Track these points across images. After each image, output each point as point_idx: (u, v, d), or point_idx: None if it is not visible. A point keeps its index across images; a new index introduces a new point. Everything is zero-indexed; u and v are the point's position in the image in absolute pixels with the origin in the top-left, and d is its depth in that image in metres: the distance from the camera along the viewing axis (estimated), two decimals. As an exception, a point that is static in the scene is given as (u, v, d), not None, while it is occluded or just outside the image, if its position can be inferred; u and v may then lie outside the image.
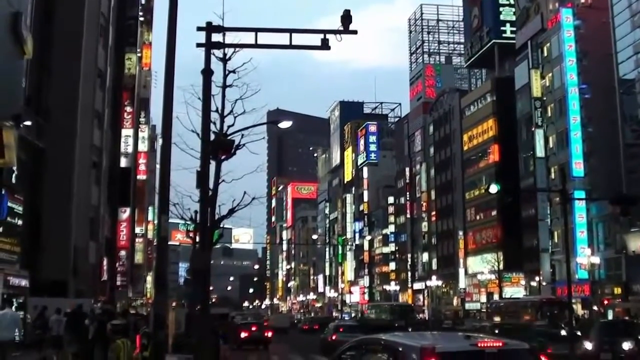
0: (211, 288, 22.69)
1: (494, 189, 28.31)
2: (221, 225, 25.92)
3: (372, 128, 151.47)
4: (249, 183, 21.19)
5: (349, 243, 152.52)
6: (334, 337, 38.63)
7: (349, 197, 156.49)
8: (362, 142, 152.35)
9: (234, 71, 22.20)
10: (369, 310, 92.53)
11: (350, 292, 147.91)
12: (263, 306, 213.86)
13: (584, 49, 73.62)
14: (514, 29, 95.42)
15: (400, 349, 8.51)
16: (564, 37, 73.95)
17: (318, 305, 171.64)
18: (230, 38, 19.92)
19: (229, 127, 22.32)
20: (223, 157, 21.11)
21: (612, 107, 67.83)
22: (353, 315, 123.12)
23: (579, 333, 32.88)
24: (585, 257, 66.98)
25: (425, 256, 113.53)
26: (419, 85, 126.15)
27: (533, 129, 79.70)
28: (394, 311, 75.56)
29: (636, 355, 25.17)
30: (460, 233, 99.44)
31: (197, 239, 23.91)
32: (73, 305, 29.71)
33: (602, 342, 26.43)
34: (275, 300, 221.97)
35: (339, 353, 10.16)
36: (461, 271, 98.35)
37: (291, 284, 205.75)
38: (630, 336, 26.18)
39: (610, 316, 55.50)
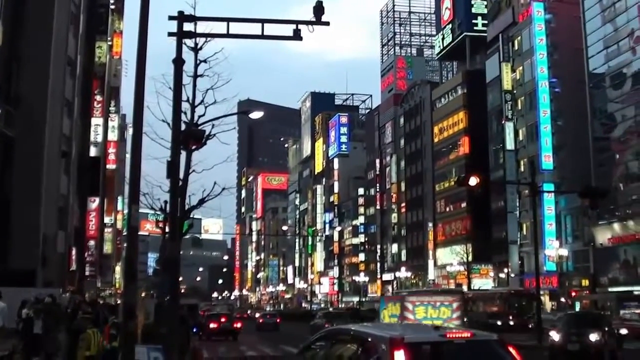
0: (180, 278, 22.56)
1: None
2: (191, 216, 25.79)
3: (343, 119, 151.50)
4: (219, 173, 21.16)
5: (319, 234, 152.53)
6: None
7: (319, 188, 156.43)
8: (332, 133, 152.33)
9: (205, 61, 22.05)
10: None
11: (320, 283, 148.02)
12: (232, 297, 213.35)
13: (554, 43, 74.21)
14: (486, 22, 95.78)
15: (370, 340, 8.53)
16: (535, 31, 74.46)
17: (287, 296, 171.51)
18: (202, 27, 19.82)
19: (199, 117, 22.24)
20: (194, 147, 21.02)
21: (581, 101, 68.43)
22: (322, 305, 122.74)
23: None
24: (554, 250, 67.54)
25: (394, 247, 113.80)
26: (390, 77, 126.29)
27: (503, 122, 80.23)
28: None
29: (602, 347, 25.40)
30: (430, 225, 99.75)
31: (167, 229, 23.79)
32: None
33: (570, 334, 26.62)
34: (245, 291, 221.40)
35: (308, 343, 10.14)
36: (430, 263, 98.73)
37: (260, 274, 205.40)
38: (597, 328, 26.38)
39: (577, 308, 55.96)
